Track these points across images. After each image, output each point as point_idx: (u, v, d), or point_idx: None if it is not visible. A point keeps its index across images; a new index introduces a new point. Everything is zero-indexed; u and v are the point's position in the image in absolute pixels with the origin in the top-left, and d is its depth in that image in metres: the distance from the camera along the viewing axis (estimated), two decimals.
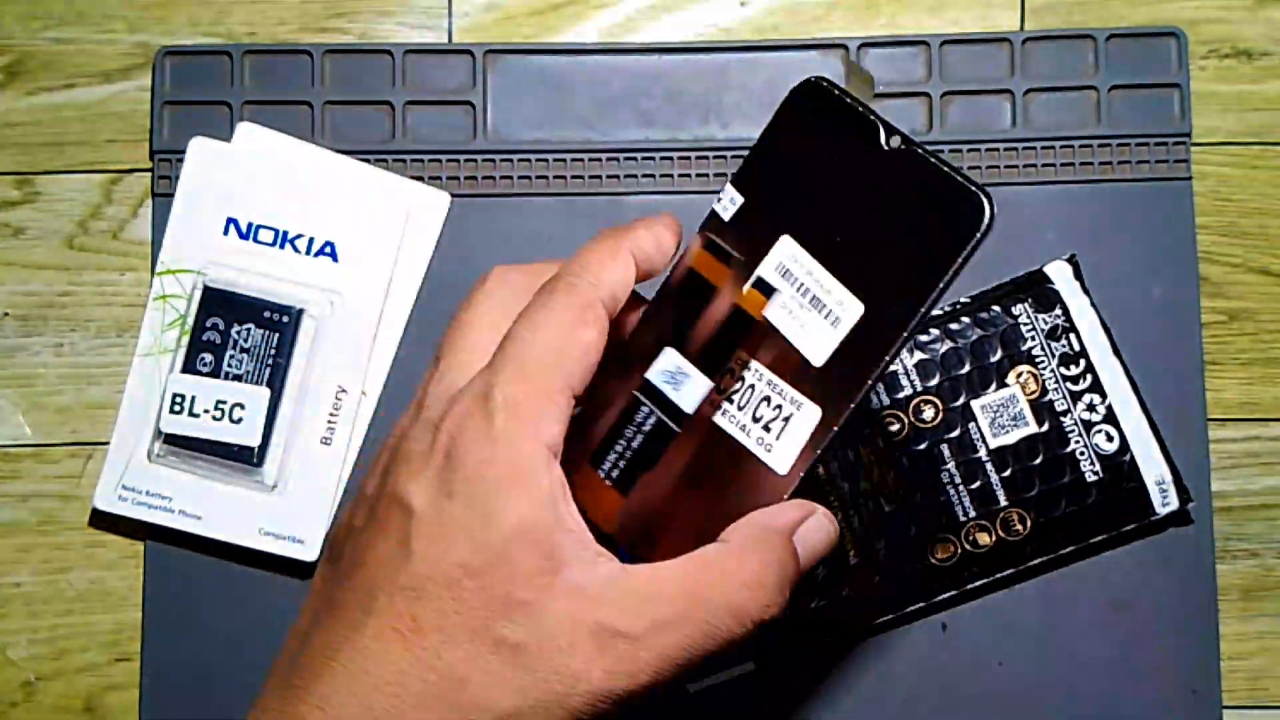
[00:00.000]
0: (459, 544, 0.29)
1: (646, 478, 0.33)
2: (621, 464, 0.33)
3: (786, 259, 0.33)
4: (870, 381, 0.32)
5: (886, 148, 0.32)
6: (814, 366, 0.32)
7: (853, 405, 0.32)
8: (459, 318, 0.34)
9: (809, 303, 0.32)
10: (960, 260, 0.31)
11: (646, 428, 0.33)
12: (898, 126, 0.32)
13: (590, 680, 0.29)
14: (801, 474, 0.32)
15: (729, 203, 0.34)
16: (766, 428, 0.33)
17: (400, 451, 0.31)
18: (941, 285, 0.31)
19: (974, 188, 0.31)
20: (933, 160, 0.32)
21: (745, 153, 0.34)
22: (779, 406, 0.32)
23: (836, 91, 0.33)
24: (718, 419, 0.33)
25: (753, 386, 0.33)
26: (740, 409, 0.33)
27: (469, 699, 0.28)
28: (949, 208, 0.31)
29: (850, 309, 0.32)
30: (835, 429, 0.32)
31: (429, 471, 0.30)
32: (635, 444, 0.33)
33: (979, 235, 0.31)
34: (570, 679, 0.29)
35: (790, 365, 0.32)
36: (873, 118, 0.32)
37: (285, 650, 0.32)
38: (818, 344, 0.32)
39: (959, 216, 0.31)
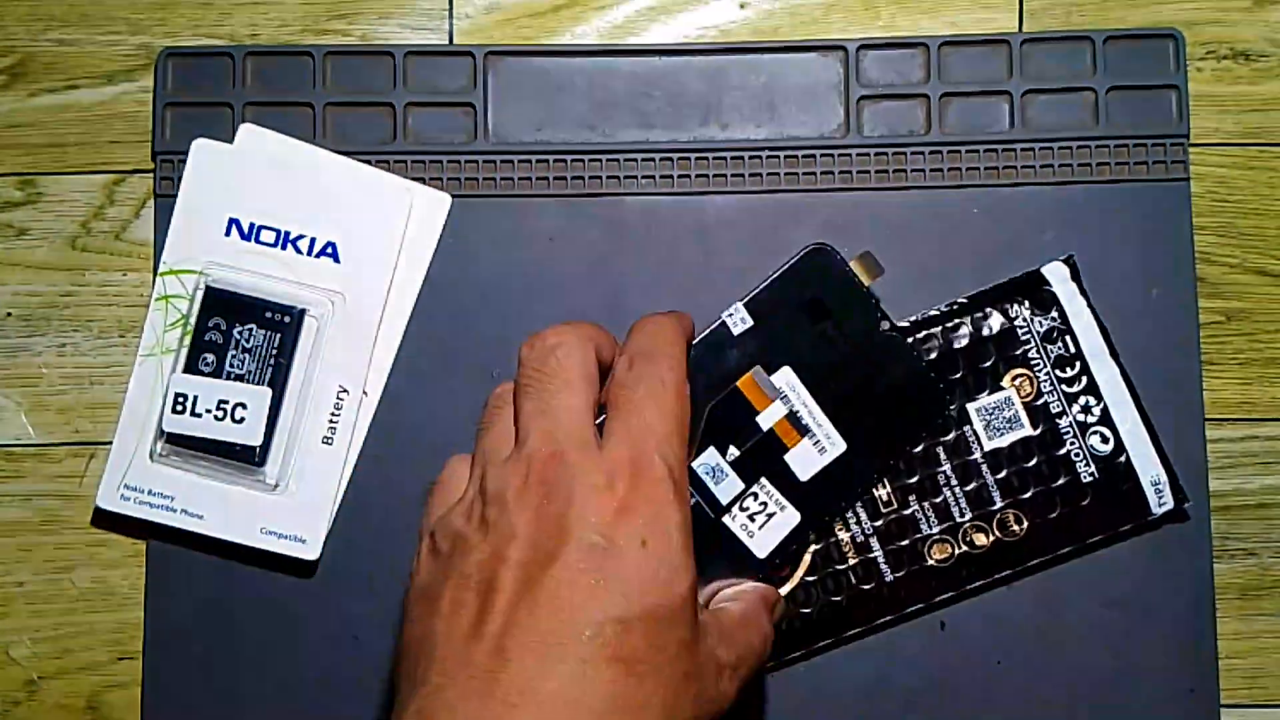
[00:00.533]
0: (656, 590, 0.33)
1: None
2: None
3: (786, 386, 0.40)
4: (845, 506, 0.44)
5: (879, 329, 0.41)
6: (800, 481, 0.40)
7: (827, 519, 0.43)
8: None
9: (801, 427, 0.40)
10: (921, 438, 0.44)
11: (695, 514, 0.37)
12: (890, 317, 0.41)
13: (728, 697, 0.35)
14: (777, 561, 0.41)
15: (740, 320, 0.40)
16: (752, 518, 0.40)
17: (574, 485, 0.34)
18: (905, 450, 0.43)
19: (939, 385, 0.42)
20: (914, 354, 0.41)
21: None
22: (764, 504, 0.40)
23: (847, 269, 0.41)
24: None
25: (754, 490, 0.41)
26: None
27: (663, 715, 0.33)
28: (919, 396, 0.41)
29: (835, 443, 0.41)
30: (810, 534, 0.41)
31: (620, 512, 0.34)
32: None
33: (938, 422, 0.44)
34: (720, 699, 0.35)
35: (785, 477, 0.41)
36: (873, 301, 0.41)
37: (436, 661, 0.33)
38: (805, 463, 0.40)
39: (925, 404, 0.42)
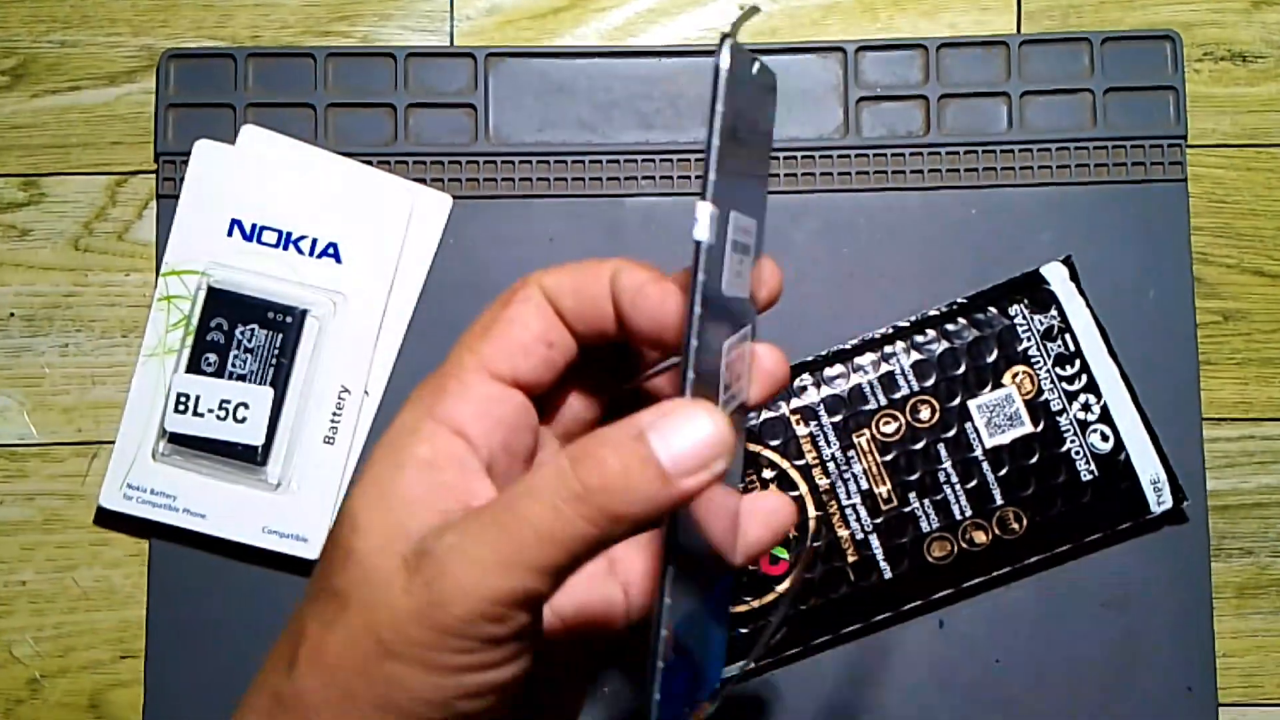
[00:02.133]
0: (339, 524, 0.29)
1: None
2: None
3: (737, 234, 0.30)
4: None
5: (753, 73, 0.30)
6: (743, 299, 0.31)
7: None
8: None
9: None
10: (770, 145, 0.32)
11: None
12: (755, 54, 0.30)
13: (401, 605, 0.27)
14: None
15: (707, 225, 0.28)
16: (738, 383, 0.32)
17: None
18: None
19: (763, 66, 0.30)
20: (757, 59, 0.30)
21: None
22: (741, 361, 0.32)
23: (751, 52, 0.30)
24: None
25: None
26: None
27: (306, 652, 0.28)
28: (762, 91, 0.31)
29: (754, 231, 0.31)
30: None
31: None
32: None
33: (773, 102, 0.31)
34: (386, 609, 0.27)
35: (736, 316, 0.31)
36: (751, 55, 0.30)
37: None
38: (743, 281, 0.31)
39: (767, 90, 0.31)
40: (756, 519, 0.33)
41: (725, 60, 0.27)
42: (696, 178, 0.48)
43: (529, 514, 0.26)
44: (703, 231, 0.28)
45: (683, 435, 0.27)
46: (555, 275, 0.31)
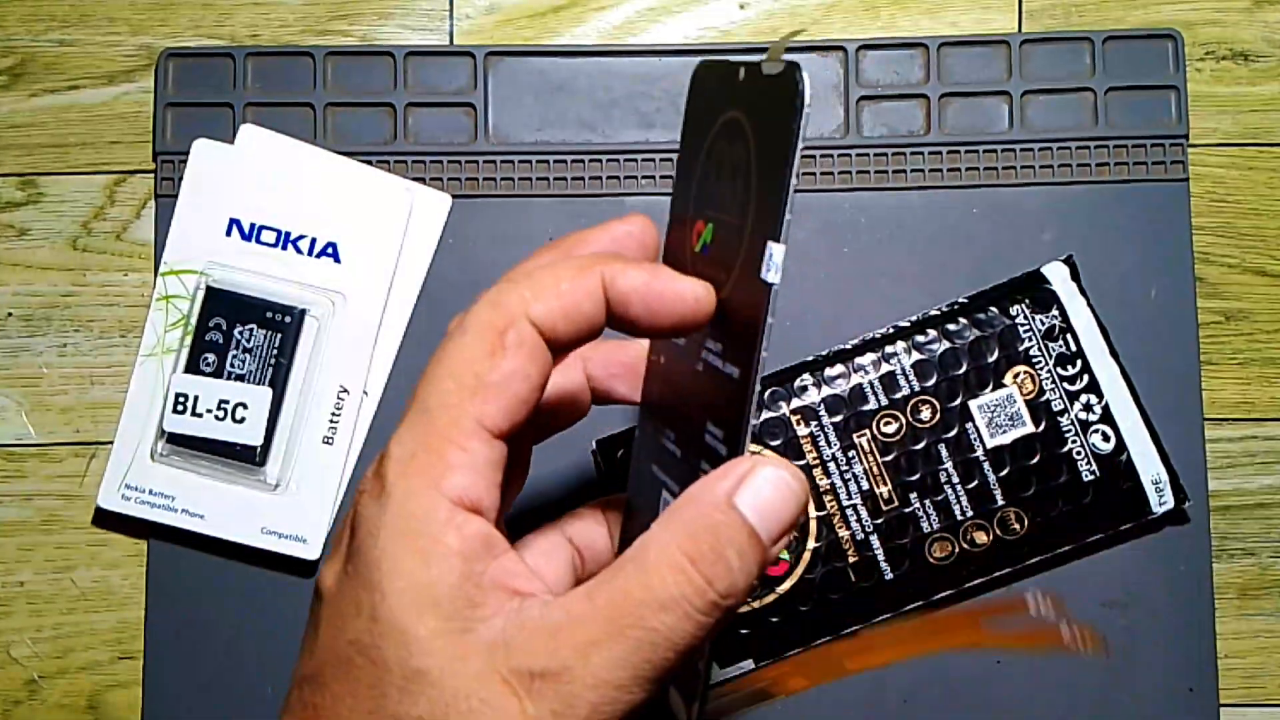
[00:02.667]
0: (352, 621, 0.26)
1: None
2: None
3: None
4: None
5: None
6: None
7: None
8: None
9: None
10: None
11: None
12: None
13: None
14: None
15: (780, 266, 0.27)
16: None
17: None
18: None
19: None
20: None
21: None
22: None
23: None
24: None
25: None
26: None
27: None
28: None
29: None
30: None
31: (339, 550, 0.28)
32: None
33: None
34: None
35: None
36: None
37: None
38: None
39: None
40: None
41: (807, 91, 0.25)
42: None
43: (663, 628, 0.25)
44: (776, 274, 0.26)
45: (771, 501, 0.26)
46: (543, 303, 0.28)
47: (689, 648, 0.25)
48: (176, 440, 0.45)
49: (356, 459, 0.46)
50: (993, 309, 0.46)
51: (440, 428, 0.27)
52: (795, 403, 0.45)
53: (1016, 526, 0.45)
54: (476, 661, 0.25)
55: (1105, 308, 0.46)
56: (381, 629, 0.26)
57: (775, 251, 0.26)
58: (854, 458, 0.45)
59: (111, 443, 0.46)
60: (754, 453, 0.42)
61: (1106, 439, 0.45)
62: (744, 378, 0.26)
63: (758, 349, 0.26)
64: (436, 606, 0.26)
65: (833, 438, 0.45)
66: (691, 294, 0.28)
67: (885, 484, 0.45)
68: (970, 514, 0.45)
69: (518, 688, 0.25)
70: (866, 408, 0.45)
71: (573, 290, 0.28)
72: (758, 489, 0.26)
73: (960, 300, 0.46)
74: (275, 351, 0.46)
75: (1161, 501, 0.45)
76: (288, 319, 0.46)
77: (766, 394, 0.45)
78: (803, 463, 0.45)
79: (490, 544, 0.27)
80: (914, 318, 0.46)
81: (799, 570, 0.45)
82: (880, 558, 0.45)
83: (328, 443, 0.46)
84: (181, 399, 0.45)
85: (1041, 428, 0.45)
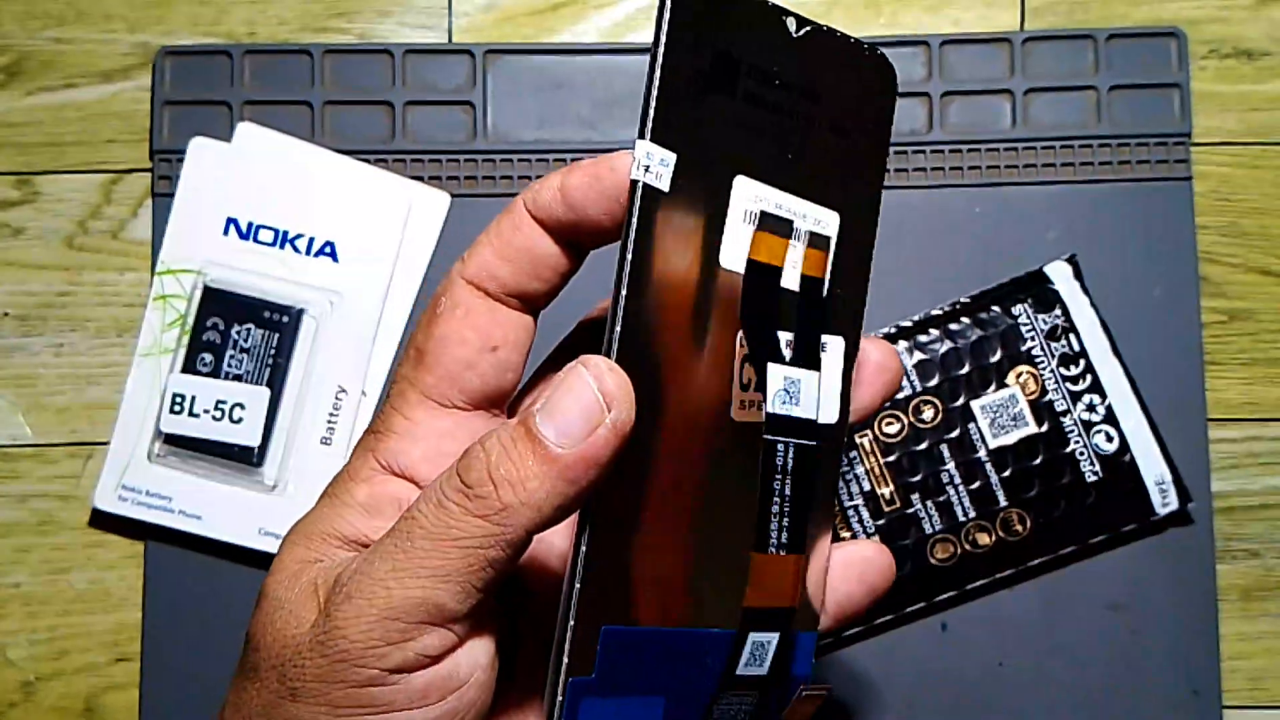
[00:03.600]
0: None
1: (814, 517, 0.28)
2: (787, 523, 0.27)
3: (752, 202, 0.27)
4: (868, 288, 0.29)
5: (792, 34, 0.27)
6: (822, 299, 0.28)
7: (863, 319, 0.29)
8: None
9: (820, 239, 0.28)
10: (889, 131, 0.29)
11: (790, 468, 0.27)
12: (789, 9, 0.28)
13: (303, 638, 0.26)
14: (846, 412, 0.28)
15: (660, 166, 0.26)
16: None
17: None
18: (887, 159, 0.29)
19: (876, 49, 0.29)
20: (837, 34, 0.28)
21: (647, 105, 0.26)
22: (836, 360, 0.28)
23: None
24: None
25: None
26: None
27: (230, 706, 0.29)
28: (862, 79, 0.28)
29: (829, 223, 0.28)
30: (857, 348, 0.29)
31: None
32: (789, 492, 0.27)
33: (895, 95, 0.29)
34: (291, 645, 0.26)
35: (834, 312, 0.28)
36: (770, 5, 0.27)
37: None
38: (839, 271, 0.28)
39: (873, 85, 0.29)
40: (850, 570, 0.29)
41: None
42: None
43: (420, 519, 0.25)
44: (639, 171, 0.25)
45: (567, 402, 0.24)
46: (475, 258, 0.28)
47: (462, 545, 0.25)
48: (173, 441, 0.45)
49: None
50: (995, 308, 0.46)
51: (391, 401, 0.28)
52: None
53: (1019, 528, 0.45)
54: (304, 580, 0.26)
55: (1108, 307, 0.46)
56: (276, 560, 0.28)
57: (638, 147, 0.25)
58: (856, 458, 0.45)
59: (108, 443, 0.46)
60: None
61: (1110, 439, 0.45)
62: (617, 280, 0.25)
63: (624, 249, 0.25)
64: (308, 540, 0.27)
65: None
66: (618, 160, 0.27)
67: (887, 485, 0.45)
68: (973, 515, 0.45)
69: (321, 598, 0.26)
70: None
71: (502, 232, 0.28)
72: (558, 390, 0.25)
73: (962, 300, 0.46)
74: (273, 351, 0.46)
75: (1165, 502, 0.45)
76: (285, 319, 0.46)
77: None
78: None
79: (401, 504, 0.27)
80: (916, 317, 0.46)
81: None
82: None
83: (325, 443, 0.46)
84: (178, 399, 0.45)
85: (1044, 428, 0.45)
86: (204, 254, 0.46)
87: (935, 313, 0.46)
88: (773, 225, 0.27)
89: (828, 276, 0.28)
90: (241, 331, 0.46)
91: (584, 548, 0.25)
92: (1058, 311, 0.46)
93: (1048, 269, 0.46)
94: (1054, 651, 0.46)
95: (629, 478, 0.25)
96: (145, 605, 0.46)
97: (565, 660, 0.25)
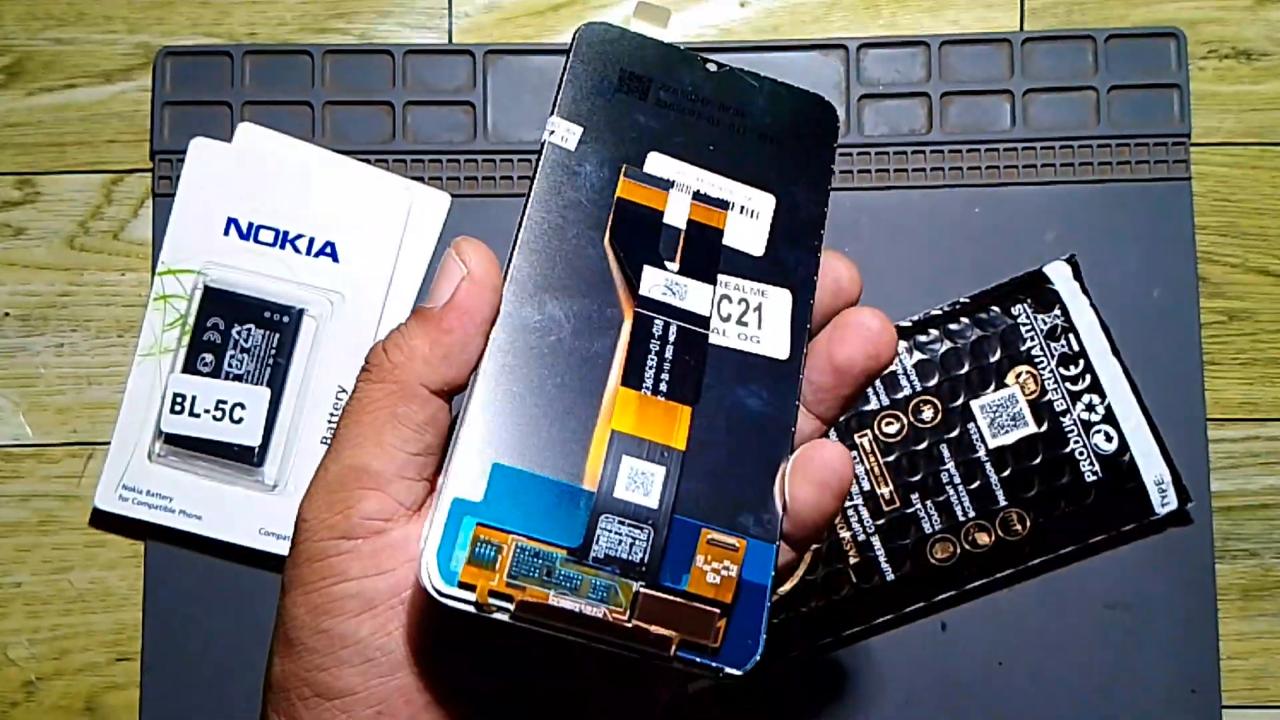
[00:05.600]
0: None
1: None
2: (666, 375, 0.30)
3: (669, 173, 0.32)
4: (819, 254, 0.33)
5: (709, 70, 0.33)
6: (756, 257, 0.32)
7: (815, 278, 0.32)
8: None
9: (717, 201, 0.32)
10: (833, 145, 0.34)
11: (671, 338, 0.30)
12: (709, 56, 0.33)
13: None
14: (803, 354, 0.31)
15: (566, 133, 0.32)
16: (742, 322, 0.31)
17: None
18: (831, 165, 0.33)
19: (806, 91, 0.34)
20: (763, 78, 0.34)
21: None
22: (744, 301, 0.32)
23: (627, 34, 0.33)
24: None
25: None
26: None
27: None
28: (796, 110, 0.34)
29: (761, 201, 0.32)
30: (811, 303, 0.32)
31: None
32: (669, 355, 0.30)
33: (836, 134, 0.34)
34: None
35: (736, 264, 0.32)
36: (684, 52, 0.33)
37: None
38: (748, 236, 0.32)
39: (816, 120, 0.34)
40: (807, 473, 0.29)
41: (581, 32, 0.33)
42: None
43: (342, 411, 0.29)
44: (546, 133, 0.32)
45: (439, 279, 0.29)
46: (410, 362, 0.30)
47: (377, 419, 0.29)
48: (174, 441, 0.45)
49: None
50: (995, 308, 0.46)
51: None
52: None
53: (1019, 527, 0.45)
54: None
55: (1108, 307, 0.46)
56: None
57: (549, 122, 0.31)
58: (855, 458, 0.45)
59: (109, 443, 0.46)
60: None
61: (1109, 439, 0.45)
62: (523, 204, 0.31)
63: (530, 189, 0.31)
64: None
65: (834, 437, 0.45)
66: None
67: (886, 484, 0.45)
68: (972, 515, 0.45)
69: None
70: (868, 407, 0.45)
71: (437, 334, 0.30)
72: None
73: (962, 300, 0.46)
74: (273, 351, 0.46)
75: (1164, 502, 0.45)
76: (286, 319, 0.46)
77: None
78: None
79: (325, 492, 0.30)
80: (915, 317, 0.46)
81: (800, 572, 0.44)
82: (881, 559, 0.45)
83: (326, 443, 0.46)
84: (179, 399, 0.45)
85: (1044, 428, 0.45)
86: (204, 254, 0.46)
87: (935, 313, 0.46)
88: (652, 180, 0.32)
89: (729, 232, 0.32)
90: (242, 331, 0.46)
91: (475, 391, 0.29)
92: (1057, 311, 0.46)
93: (1047, 269, 0.46)
94: (1054, 651, 0.46)
95: (528, 348, 0.30)
96: (145, 605, 0.46)
97: (446, 479, 0.28)
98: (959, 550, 0.45)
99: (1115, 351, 0.46)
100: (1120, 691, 0.46)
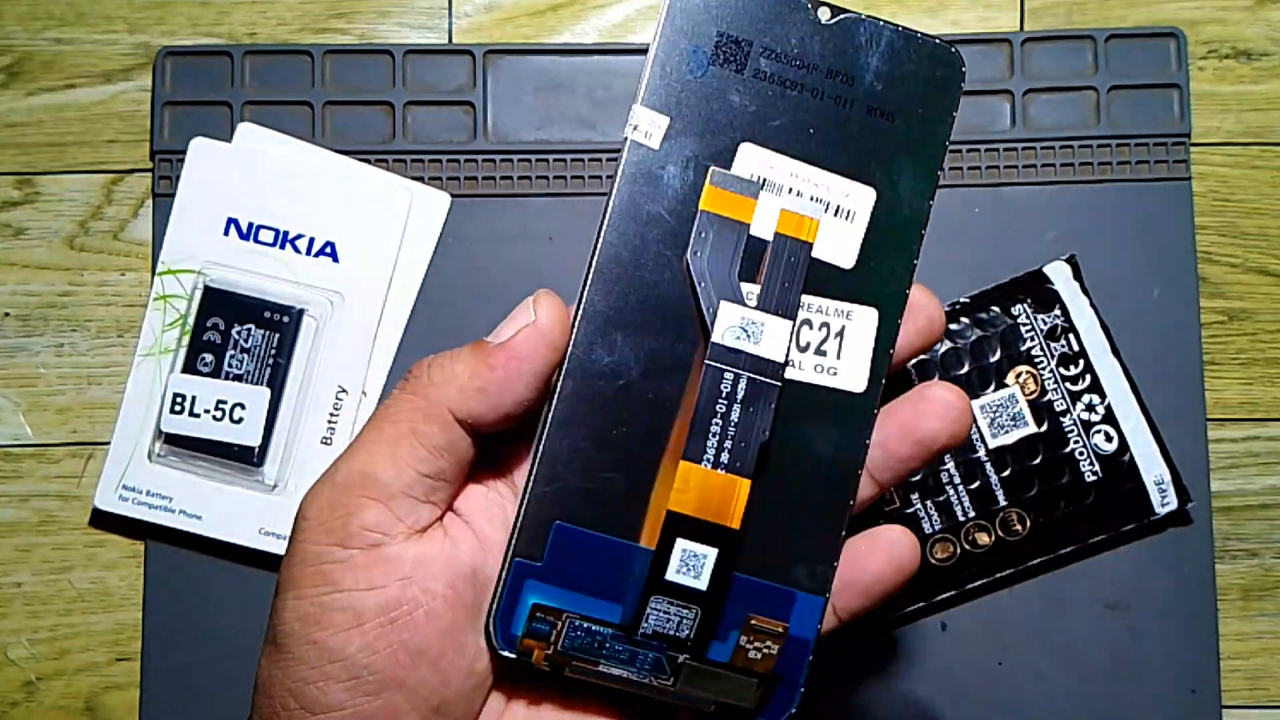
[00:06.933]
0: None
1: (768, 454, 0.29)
2: (729, 444, 0.29)
3: (761, 168, 0.30)
4: (916, 262, 0.30)
5: (821, 21, 0.30)
6: (846, 270, 0.30)
7: (907, 292, 0.30)
8: None
9: (809, 204, 0.30)
10: (953, 114, 0.30)
11: (740, 394, 0.29)
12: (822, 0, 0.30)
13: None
14: (883, 382, 0.30)
15: (650, 126, 0.29)
16: (821, 351, 0.30)
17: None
18: (947, 141, 0.30)
19: (935, 40, 0.30)
20: (880, 23, 0.30)
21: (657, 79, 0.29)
22: (825, 326, 0.30)
23: None
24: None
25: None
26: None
27: None
28: (917, 67, 0.30)
29: (859, 198, 0.30)
30: (898, 323, 0.30)
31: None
32: (736, 417, 0.29)
33: (958, 99, 0.30)
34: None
35: (821, 279, 0.30)
36: None
37: None
38: (841, 241, 0.30)
39: (934, 73, 0.30)
40: (877, 547, 0.30)
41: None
42: None
43: (373, 414, 0.30)
44: (630, 129, 0.29)
45: (509, 319, 0.29)
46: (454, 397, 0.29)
47: (398, 431, 0.29)
48: (174, 441, 0.45)
49: None
50: (995, 308, 0.46)
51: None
52: None
53: (1019, 527, 0.45)
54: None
55: (1108, 307, 0.46)
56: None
57: (633, 111, 0.29)
58: None
59: (109, 443, 0.46)
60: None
61: (1109, 439, 0.45)
62: (600, 221, 0.30)
63: (609, 197, 0.29)
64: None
65: None
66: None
67: None
68: (972, 515, 0.45)
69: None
70: None
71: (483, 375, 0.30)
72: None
73: (962, 300, 0.46)
74: (273, 351, 0.46)
75: (1164, 502, 0.45)
76: (286, 319, 0.46)
77: None
78: None
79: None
80: None
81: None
82: None
83: (326, 443, 0.46)
84: (179, 399, 0.45)
85: (1044, 428, 0.45)
86: (204, 254, 0.46)
87: None
88: (739, 185, 0.29)
89: (819, 241, 0.30)
90: (242, 331, 0.46)
91: (542, 447, 0.29)
92: (1057, 311, 0.46)
93: (1047, 269, 0.46)
94: (1054, 651, 0.46)
95: (595, 395, 0.29)
96: (146, 605, 0.46)
97: (514, 541, 0.28)
98: (959, 550, 0.45)
99: (1115, 351, 0.46)
100: (1120, 691, 0.46)
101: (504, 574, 0.29)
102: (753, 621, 0.29)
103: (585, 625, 0.29)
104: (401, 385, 0.29)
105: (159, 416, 0.45)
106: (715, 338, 0.29)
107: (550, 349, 0.28)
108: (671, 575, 0.29)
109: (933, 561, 0.45)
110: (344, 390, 0.46)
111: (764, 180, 0.29)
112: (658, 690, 0.29)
